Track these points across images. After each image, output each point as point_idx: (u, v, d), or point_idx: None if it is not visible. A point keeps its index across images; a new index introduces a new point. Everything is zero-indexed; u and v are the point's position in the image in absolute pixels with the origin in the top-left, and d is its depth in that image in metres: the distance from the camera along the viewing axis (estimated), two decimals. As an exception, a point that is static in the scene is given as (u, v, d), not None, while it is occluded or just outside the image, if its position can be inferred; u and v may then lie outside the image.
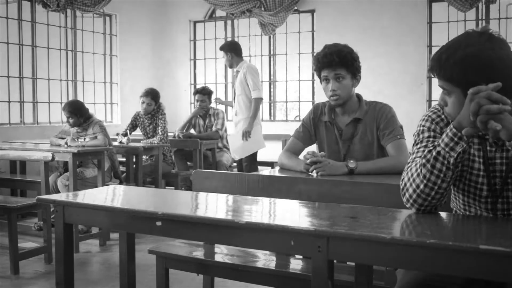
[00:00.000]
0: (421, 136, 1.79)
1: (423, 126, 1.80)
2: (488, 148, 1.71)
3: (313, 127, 2.89)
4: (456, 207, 1.88)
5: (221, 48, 5.91)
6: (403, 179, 1.75)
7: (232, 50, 5.82)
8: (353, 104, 2.80)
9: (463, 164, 1.74)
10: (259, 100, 5.64)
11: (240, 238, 1.80)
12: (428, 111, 1.84)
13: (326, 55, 2.71)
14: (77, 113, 4.94)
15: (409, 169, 1.74)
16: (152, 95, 5.82)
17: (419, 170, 1.68)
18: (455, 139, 1.61)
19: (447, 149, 1.62)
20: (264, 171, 2.81)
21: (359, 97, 2.85)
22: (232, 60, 5.84)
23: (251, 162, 5.67)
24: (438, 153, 1.64)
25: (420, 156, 1.71)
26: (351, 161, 2.63)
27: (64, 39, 7.08)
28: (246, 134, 5.57)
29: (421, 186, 1.67)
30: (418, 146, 1.77)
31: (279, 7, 7.26)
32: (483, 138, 1.72)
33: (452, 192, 1.87)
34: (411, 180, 1.71)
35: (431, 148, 1.67)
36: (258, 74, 5.75)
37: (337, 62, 2.68)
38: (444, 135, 1.64)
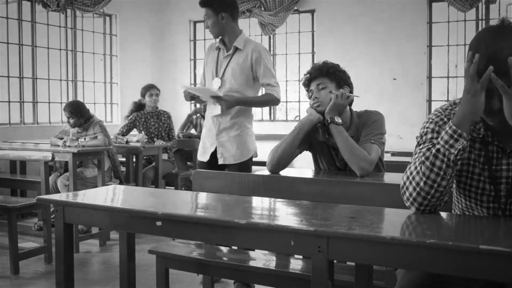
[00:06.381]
0: (424, 137, 1.77)
1: (427, 128, 1.78)
2: (495, 154, 1.71)
3: (307, 138, 2.85)
4: (458, 211, 1.87)
5: (204, 4, 3.43)
6: (403, 178, 1.75)
7: (227, 7, 3.42)
8: (346, 121, 2.80)
9: (461, 169, 1.75)
10: (276, 102, 3.62)
11: (240, 238, 1.80)
12: (431, 114, 1.83)
13: (304, 75, 2.85)
14: (78, 113, 4.94)
15: (409, 168, 1.73)
16: (157, 87, 5.99)
17: (418, 168, 1.68)
18: (455, 136, 1.62)
19: (446, 146, 1.63)
20: (264, 171, 2.80)
21: (352, 113, 2.85)
22: (225, 24, 3.42)
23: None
24: (438, 150, 1.64)
25: (420, 155, 1.71)
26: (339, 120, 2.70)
27: (64, 39, 7.07)
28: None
29: (421, 184, 1.67)
30: (421, 147, 1.76)
31: (279, 7, 7.26)
32: (486, 143, 1.71)
33: (454, 195, 1.87)
34: (410, 178, 1.70)
35: (430, 146, 1.67)
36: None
37: (314, 76, 2.79)
38: (443, 133, 1.65)
